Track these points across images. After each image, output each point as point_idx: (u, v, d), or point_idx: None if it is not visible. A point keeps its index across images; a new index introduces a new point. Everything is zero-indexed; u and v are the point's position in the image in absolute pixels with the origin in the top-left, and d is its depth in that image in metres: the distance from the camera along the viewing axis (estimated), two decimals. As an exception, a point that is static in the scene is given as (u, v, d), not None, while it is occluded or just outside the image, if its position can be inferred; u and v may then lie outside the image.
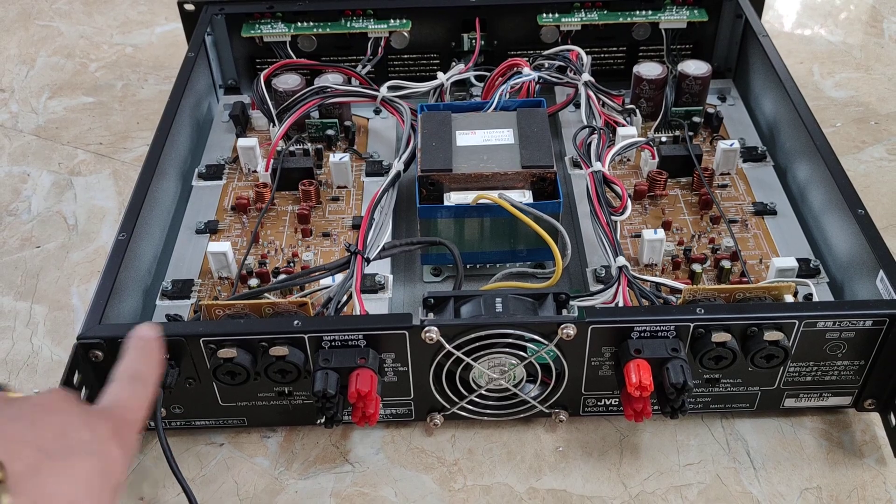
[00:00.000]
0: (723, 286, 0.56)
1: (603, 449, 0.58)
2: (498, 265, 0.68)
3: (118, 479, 0.39)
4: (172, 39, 1.04)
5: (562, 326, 0.53)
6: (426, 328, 0.53)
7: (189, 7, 0.86)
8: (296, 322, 0.53)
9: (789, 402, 0.59)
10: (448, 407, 0.58)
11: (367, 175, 0.75)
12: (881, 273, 0.56)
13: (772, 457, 0.57)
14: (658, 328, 0.53)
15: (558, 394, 0.57)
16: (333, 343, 0.53)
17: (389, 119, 0.82)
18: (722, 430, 0.59)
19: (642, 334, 0.53)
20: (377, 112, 0.83)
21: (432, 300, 0.56)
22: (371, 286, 0.64)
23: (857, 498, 0.55)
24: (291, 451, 0.59)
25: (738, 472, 0.57)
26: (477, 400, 0.58)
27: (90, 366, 0.54)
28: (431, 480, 0.57)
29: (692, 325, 0.53)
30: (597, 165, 0.66)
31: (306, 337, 0.53)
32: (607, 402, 0.59)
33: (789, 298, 0.56)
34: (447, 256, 0.64)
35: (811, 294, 0.60)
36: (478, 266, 0.68)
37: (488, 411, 0.59)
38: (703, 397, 0.58)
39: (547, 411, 0.59)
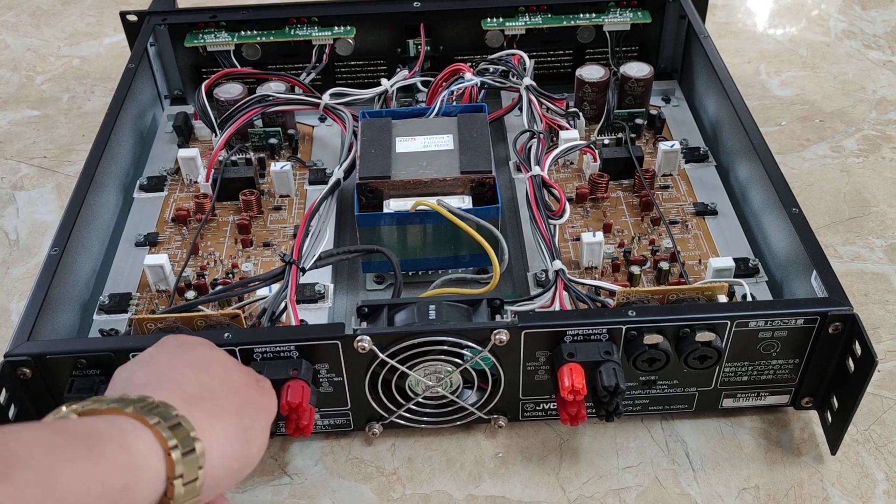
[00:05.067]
0: (656, 288, 0.56)
1: (543, 453, 0.58)
2: (440, 271, 0.68)
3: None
4: (120, 50, 1.03)
5: (494, 332, 0.53)
6: (358, 337, 0.52)
7: (132, 18, 0.85)
8: (226, 335, 0.53)
9: (727, 403, 0.59)
10: (386, 416, 0.58)
11: (311, 183, 0.75)
12: (814, 272, 0.57)
13: (710, 457, 0.58)
14: (591, 332, 0.53)
15: (496, 399, 0.57)
16: (265, 355, 0.53)
17: (334, 127, 0.82)
18: (661, 432, 0.59)
19: (575, 338, 0.53)
20: (322, 120, 0.83)
21: (366, 309, 0.56)
22: (310, 296, 0.64)
23: (794, 496, 0.55)
24: (230, 464, 0.58)
25: (677, 474, 0.57)
26: (415, 408, 0.57)
27: (19, 383, 0.53)
28: (370, 490, 0.56)
29: (624, 328, 0.53)
30: (536, 170, 0.66)
31: (237, 349, 0.52)
32: (546, 407, 0.58)
33: (723, 299, 0.56)
34: (389, 263, 0.63)
35: (746, 294, 0.60)
36: (420, 273, 0.68)
37: (427, 419, 0.58)
38: (641, 399, 0.58)
39: (486, 417, 0.58)
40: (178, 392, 0.41)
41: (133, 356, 0.52)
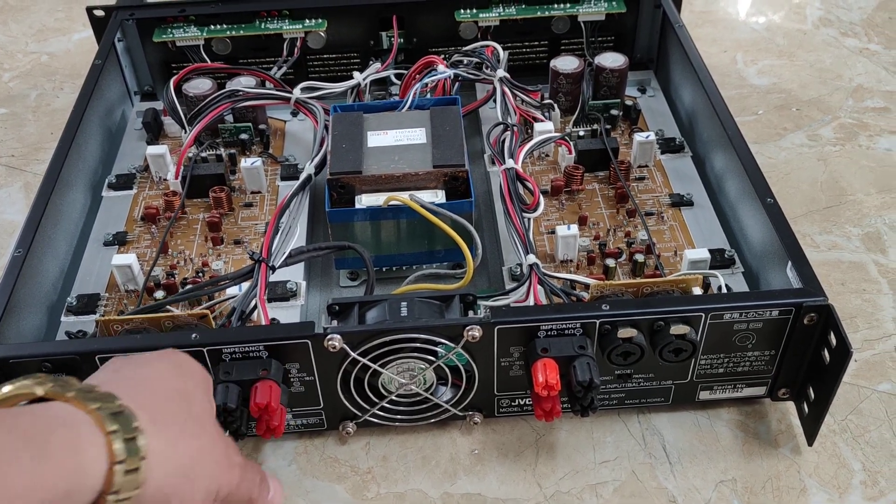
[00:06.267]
0: (630, 281, 0.55)
1: (519, 449, 0.58)
2: (415, 267, 0.67)
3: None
4: (90, 46, 1.00)
5: (467, 328, 0.52)
6: (328, 336, 0.51)
7: (98, 13, 0.84)
8: (194, 335, 0.52)
9: (704, 395, 0.58)
10: (360, 414, 0.57)
11: (283, 179, 0.74)
12: (789, 262, 0.56)
13: (688, 450, 0.57)
14: (564, 326, 0.52)
15: (471, 396, 0.56)
16: (234, 355, 0.52)
17: (307, 121, 0.81)
18: (638, 426, 0.59)
19: (549, 333, 0.53)
20: (294, 114, 0.82)
21: (337, 307, 0.55)
22: (282, 293, 0.63)
23: (771, 488, 0.55)
24: (201, 466, 0.57)
25: (654, 468, 0.56)
26: (388, 406, 0.57)
27: (-18, 389, 0.52)
28: (344, 490, 0.56)
29: (598, 322, 0.52)
30: (509, 163, 0.65)
31: (205, 350, 0.52)
32: (521, 402, 0.58)
33: (698, 291, 0.56)
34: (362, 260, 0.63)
35: (721, 285, 0.60)
36: (394, 269, 0.67)
37: (401, 417, 0.58)
38: (617, 393, 0.58)
39: (461, 414, 0.58)
40: (148, 408, 0.40)
41: (98, 359, 0.51)
